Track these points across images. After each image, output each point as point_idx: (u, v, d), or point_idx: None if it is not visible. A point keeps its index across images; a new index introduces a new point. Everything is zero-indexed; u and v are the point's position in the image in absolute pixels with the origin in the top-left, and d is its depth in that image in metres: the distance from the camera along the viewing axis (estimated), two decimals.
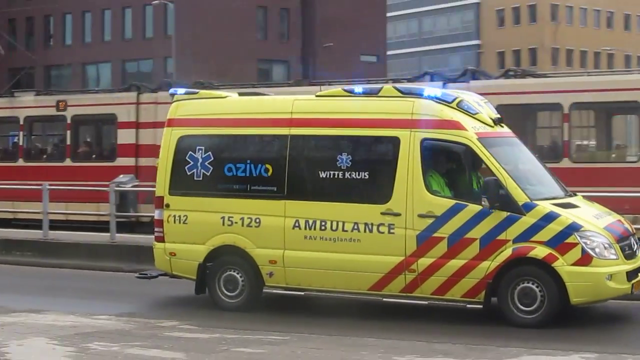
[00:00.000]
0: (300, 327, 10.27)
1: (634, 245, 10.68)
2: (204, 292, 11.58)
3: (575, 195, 11.32)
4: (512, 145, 11.44)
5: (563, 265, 10.09)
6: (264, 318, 10.92)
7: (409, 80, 19.17)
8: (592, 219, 10.58)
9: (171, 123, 11.93)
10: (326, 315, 10.99)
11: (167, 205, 11.69)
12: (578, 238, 10.12)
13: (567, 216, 10.31)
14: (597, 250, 10.15)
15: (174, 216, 11.62)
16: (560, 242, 10.11)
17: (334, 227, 10.75)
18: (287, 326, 10.32)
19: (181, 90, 12.42)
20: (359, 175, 10.81)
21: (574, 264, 10.10)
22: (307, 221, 10.88)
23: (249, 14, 54.97)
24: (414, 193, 10.47)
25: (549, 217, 10.26)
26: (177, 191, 11.70)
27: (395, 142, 10.67)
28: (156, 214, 11.85)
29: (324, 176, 10.96)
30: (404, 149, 10.56)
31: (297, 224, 10.91)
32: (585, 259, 10.10)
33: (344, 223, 10.71)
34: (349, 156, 10.79)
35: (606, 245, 10.20)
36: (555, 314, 10.27)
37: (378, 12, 60.75)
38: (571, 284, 10.05)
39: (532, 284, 10.22)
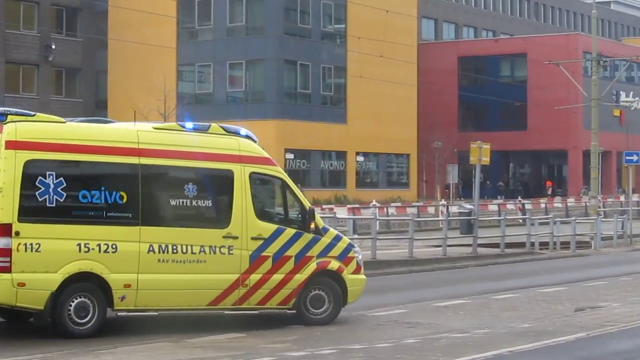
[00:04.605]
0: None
1: None
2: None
3: None
4: None
5: (347, 274, 13.09)
6: None
7: None
8: None
9: (12, 145, 11.14)
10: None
11: (17, 233, 11.08)
12: (354, 253, 13.40)
13: (345, 237, 13.87)
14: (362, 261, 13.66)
15: (25, 244, 11.12)
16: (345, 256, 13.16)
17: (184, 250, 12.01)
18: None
19: (14, 111, 11.47)
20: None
21: (352, 273, 13.19)
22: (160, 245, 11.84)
23: None
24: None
25: (338, 237, 13.25)
26: (28, 218, 11.21)
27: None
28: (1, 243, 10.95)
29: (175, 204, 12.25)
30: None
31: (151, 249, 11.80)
32: (358, 269, 13.36)
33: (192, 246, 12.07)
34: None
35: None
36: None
37: None
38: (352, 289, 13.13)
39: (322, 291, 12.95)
